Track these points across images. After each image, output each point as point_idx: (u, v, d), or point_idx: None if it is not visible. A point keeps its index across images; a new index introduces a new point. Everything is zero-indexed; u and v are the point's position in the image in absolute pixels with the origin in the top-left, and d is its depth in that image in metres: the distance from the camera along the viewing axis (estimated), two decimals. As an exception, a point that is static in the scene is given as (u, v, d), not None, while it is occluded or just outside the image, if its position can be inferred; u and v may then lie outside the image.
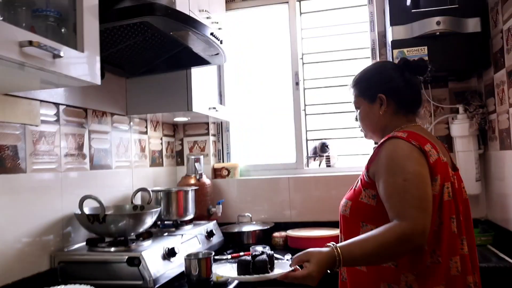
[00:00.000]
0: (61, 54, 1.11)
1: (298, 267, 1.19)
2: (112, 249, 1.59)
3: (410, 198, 1.14)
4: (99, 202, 1.55)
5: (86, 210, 1.61)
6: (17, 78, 1.24)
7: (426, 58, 2.08)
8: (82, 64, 1.24)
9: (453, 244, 1.21)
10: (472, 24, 2.05)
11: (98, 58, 1.31)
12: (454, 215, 1.22)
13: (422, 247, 1.14)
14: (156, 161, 2.45)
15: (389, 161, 1.22)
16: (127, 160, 2.14)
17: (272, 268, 1.25)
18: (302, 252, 1.19)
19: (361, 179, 1.33)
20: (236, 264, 1.27)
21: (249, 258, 1.26)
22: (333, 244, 1.17)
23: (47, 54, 1.09)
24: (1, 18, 1.10)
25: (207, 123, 2.70)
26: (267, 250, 1.37)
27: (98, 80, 1.30)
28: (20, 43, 1.00)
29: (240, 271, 1.24)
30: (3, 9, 1.15)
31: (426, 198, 1.16)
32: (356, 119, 1.47)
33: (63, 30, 1.27)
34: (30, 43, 1.01)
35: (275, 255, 1.39)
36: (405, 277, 1.21)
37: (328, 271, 1.16)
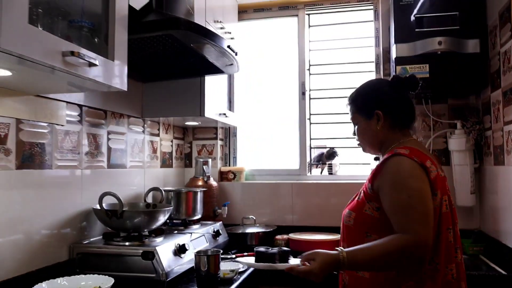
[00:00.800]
0: (97, 63, 1.23)
1: (306, 263, 1.30)
2: (127, 243, 1.69)
3: (414, 214, 1.24)
4: (118, 198, 1.66)
5: (103, 206, 1.71)
6: (48, 81, 1.35)
7: (427, 75, 2.20)
8: (113, 72, 1.36)
9: (449, 253, 1.31)
10: (472, 45, 2.17)
11: (126, 66, 1.42)
12: (450, 226, 1.33)
13: (424, 259, 1.23)
14: (166, 162, 2.56)
15: (393, 178, 1.31)
16: (140, 160, 2.25)
17: (285, 262, 1.39)
18: (311, 251, 1.32)
19: (363, 191, 1.41)
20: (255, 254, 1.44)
21: (263, 249, 1.40)
22: (340, 248, 1.28)
23: (84, 63, 1.20)
24: (41, 29, 1.21)
25: (216, 128, 2.82)
26: (284, 248, 1.51)
27: (125, 87, 1.42)
28: (63, 53, 1.12)
29: (256, 260, 1.41)
30: (42, 19, 1.26)
31: (428, 213, 1.26)
32: (354, 134, 1.56)
33: (96, 40, 1.38)
34: (72, 53, 1.13)
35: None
36: (405, 283, 1.30)
37: (335, 272, 1.27)
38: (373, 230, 1.35)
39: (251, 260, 1.45)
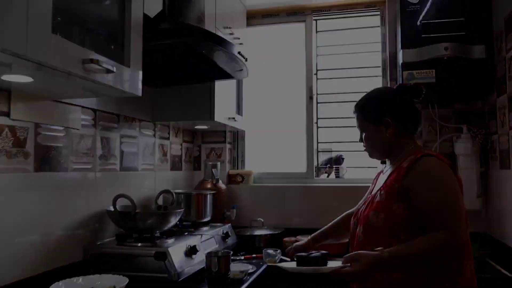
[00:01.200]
0: (114, 70, 1.28)
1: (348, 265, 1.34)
2: (140, 244, 1.73)
3: (451, 211, 1.31)
4: (131, 200, 1.70)
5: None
6: (65, 86, 1.40)
7: (434, 80, 2.23)
8: (128, 77, 1.41)
9: (468, 250, 1.37)
10: (478, 51, 2.20)
11: (140, 73, 1.47)
12: (467, 225, 1.38)
13: (460, 255, 1.31)
14: (176, 165, 2.60)
15: (428, 177, 1.36)
16: (151, 163, 2.30)
17: (325, 265, 1.44)
18: (353, 253, 1.36)
19: (387, 192, 1.42)
20: (296, 258, 1.54)
21: (305, 254, 1.48)
22: (382, 248, 1.31)
23: (102, 70, 1.25)
24: (60, 37, 1.26)
25: (224, 132, 2.86)
26: (322, 250, 1.57)
27: (139, 92, 1.47)
28: (83, 60, 1.17)
29: (298, 264, 1.48)
30: (62, 27, 1.31)
31: (462, 211, 1.32)
32: (361, 140, 1.60)
33: (112, 47, 1.43)
34: (91, 60, 1.18)
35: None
36: (439, 281, 1.33)
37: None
38: (402, 229, 1.37)
39: (293, 264, 1.54)
